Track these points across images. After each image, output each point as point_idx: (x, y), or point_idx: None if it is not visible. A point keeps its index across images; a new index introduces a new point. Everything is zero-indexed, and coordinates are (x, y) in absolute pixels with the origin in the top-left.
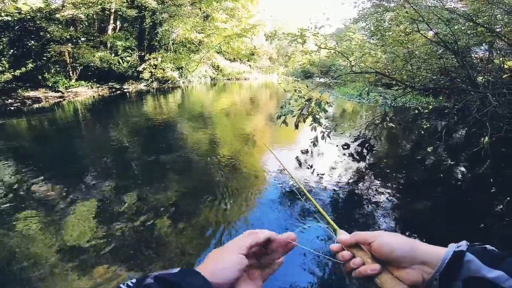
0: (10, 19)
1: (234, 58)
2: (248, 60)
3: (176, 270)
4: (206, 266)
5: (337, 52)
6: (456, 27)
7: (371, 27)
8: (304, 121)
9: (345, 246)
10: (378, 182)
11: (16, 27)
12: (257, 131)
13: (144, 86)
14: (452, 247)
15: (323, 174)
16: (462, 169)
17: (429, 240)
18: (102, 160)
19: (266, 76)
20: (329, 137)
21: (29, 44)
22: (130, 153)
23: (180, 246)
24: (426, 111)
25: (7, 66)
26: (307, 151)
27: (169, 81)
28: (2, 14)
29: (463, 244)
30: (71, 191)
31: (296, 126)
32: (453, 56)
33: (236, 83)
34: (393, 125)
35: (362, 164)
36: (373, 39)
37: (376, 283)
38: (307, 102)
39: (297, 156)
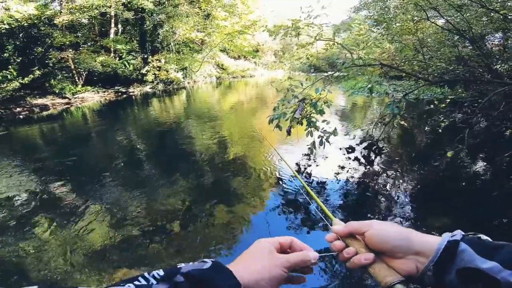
0: (7, 27)
1: (238, 56)
2: (252, 57)
3: (208, 264)
4: (245, 266)
5: (336, 43)
6: (468, 14)
7: (374, 15)
8: (301, 124)
9: (339, 236)
10: (387, 193)
11: (21, 34)
12: (263, 130)
13: (150, 88)
14: (446, 236)
15: (324, 183)
16: (491, 177)
17: None
18: (113, 165)
19: (272, 72)
20: (328, 142)
21: (37, 51)
22: (139, 157)
23: (192, 244)
24: (443, 105)
25: (15, 74)
26: (309, 155)
27: (174, 82)
28: (5, 22)
29: (458, 234)
30: (84, 195)
31: (288, 133)
32: (469, 44)
33: (242, 81)
34: (405, 124)
35: (369, 171)
36: (377, 29)
37: (370, 273)
38: (300, 103)
39: (298, 162)
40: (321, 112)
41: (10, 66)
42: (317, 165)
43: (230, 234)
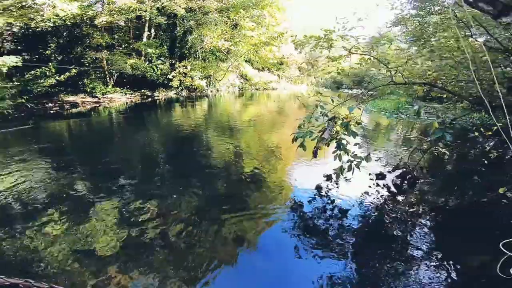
0: (52, 24)
1: (262, 67)
2: (276, 70)
3: None
4: None
5: (372, 58)
6: None
7: (413, 31)
8: (328, 146)
9: None
10: (420, 229)
11: (65, 33)
12: (282, 146)
13: (174, 94)
14: None
15: (346, 210)
16: None
17: None
18: (131, 165)
19: (295, 86)
20: (358, 168)
21: (76, 50)
22: (157, 159)
23: (197, 255)
24: (489, 133)
25: (53, 71)
26: (330, 178)
27: (197, 90)
28: (52, 19)
29: None
30: (98, 193)
31: (314, 155)
32: None
33: (264, 93)
34: (447, 152)
35: (400, 202)
36: (413, 46)
37: None
38: (330, 122)
39: (317, 185)
40: (354, 135)
41: (50, 63)
42: (338, 188)
43: (237, 250)
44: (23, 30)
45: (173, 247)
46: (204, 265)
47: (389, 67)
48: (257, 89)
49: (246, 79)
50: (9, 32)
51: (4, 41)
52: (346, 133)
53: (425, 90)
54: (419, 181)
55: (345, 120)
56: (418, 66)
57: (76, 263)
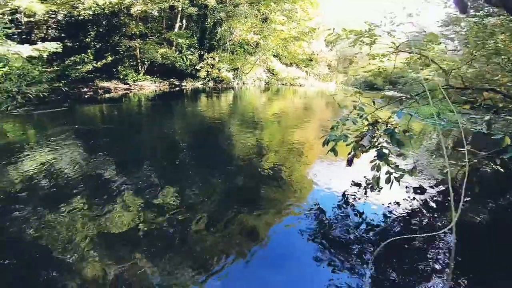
0: (91, 13)
1: (290, 63)
2: (305, 66)
3: None
4: None
5: (422, 58)
6: None
7: (469, 33)
8: (364, 153)
9: None
10: (457, 254)
11: (104, 22)
12: (305, 145)
13: (201, 84)
14: None
15: (375, 224)
16: None
17: None
18: (157, 152)
19: (323, 84)
20: (399, 181)
21: (113, 39)
22: (182, 148)
23: (211, 248)
24: None
25: (91, 57)
26: (359, 186)
27: (223, 82)
28: (92, 8)
29: None
30: (123, 178)
31: (349, 163)
32: None
33: (291, 89)
34: (501, 169)
35: (439, 221)
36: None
37: None
38: (371, 127)
39: (345, 191)
40: (400, 144)
41: (88, 50)
42: (368, 198)
43: (250, 247)
44: (66, 18)
45: (187, 238)
46: (215, 259)
47: (445, 69)
48: (283, 84)
49: (273, 74)
50: (54, 20)
51: (49, 28)
52: (389, 141)
53: (487, 97)
54: (465, 200)
55: (389, 126)
56: (472, 70)
57: (90, 247)
